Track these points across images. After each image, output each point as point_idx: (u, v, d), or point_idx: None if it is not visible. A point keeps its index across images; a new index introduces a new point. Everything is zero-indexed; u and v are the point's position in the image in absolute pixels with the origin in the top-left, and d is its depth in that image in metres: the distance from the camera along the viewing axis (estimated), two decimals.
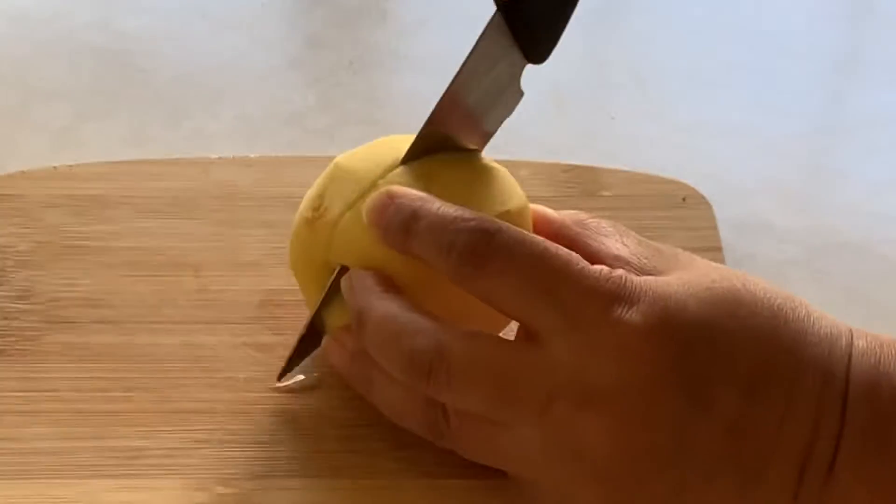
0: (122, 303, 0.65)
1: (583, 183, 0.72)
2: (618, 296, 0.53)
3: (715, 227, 0.70)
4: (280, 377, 0.62)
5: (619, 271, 0.54)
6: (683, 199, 0.72)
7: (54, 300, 0.65)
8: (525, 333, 0.56)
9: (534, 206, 0.61)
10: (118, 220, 0.69)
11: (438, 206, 0.56)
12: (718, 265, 0.57)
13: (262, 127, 0.79)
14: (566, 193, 0.72)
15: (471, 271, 0.54)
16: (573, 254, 0.55)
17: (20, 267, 0.67)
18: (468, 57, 0.58)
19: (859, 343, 0.54)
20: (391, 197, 0.57)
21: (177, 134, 0.78)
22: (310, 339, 0.62)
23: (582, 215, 0.60)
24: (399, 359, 0.55)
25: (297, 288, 0.63)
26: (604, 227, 0.59)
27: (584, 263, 0.54)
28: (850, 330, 0.55)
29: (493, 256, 0.54)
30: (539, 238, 0.55)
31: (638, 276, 0.55)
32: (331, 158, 0.61)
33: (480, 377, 0.54)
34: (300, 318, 0.63)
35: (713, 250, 0.69)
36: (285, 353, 0.63)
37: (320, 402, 0.62)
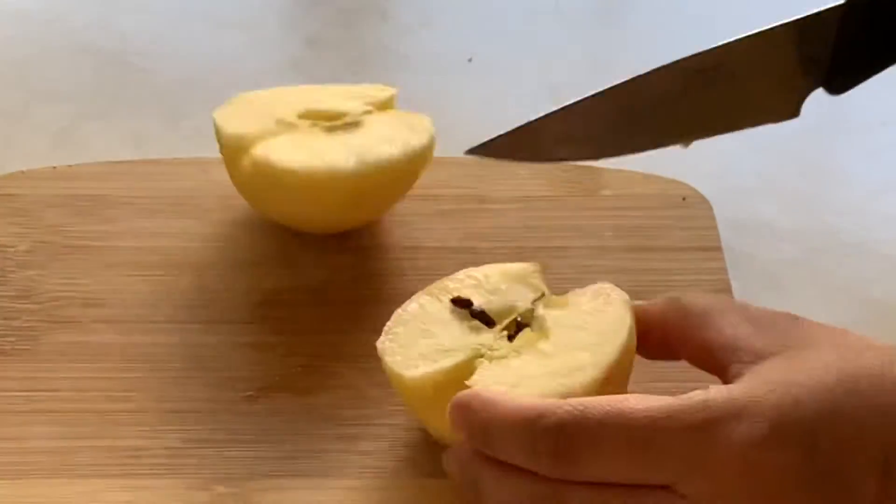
0: (121, 302, 0.65)
1: (583, 183, 0.72)
2: (715, 419, 0.52)
3: (715, 227, 0.70)
4: None
5: (699, 395, 0.52)
6: (683, 199, 0.72)
7: (54, 300, 0.65)
8: None
9: (633, 305, 0.59)
10: (118, 220, 0.69)
11: (509, 407, 0.54)
12: (837, 333, 0.55)
13: None
14: (566, 193, 0.71)
15: (567, 470, 0.53)
16: (652, 403, 0.53)
17: (20, 267, 0.67)
18: None
19: None
20: (470, 398, 0.55)
21: (177, 134, 0.77)
22: None
23: (676, 301, 0.58)
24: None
25: (297, 287, 0.63)
26: (704, 308, 0.57)
27: (666, 406, 0.52)
28: None
29: (580, 449, 0.53)
30: (615, 404, 0.53)
31: (751, 363, 0.54)
32: None
33: None
34: (299, 318, 0.63)
35: (713, 250, 0.69)
36: (286, 352, 0.63)
37: (320, 401, 0.62)
